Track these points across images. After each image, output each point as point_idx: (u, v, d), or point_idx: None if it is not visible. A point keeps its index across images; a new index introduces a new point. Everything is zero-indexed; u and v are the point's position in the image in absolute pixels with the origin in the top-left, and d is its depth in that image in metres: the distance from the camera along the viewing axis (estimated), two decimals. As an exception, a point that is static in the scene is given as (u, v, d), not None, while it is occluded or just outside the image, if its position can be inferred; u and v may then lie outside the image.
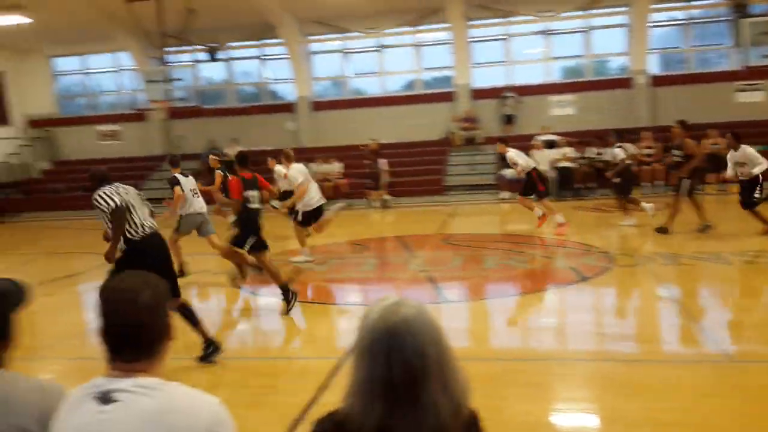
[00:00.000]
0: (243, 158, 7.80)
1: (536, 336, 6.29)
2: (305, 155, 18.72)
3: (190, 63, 20.23)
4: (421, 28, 19.95)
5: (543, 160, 16.48)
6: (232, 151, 19.64)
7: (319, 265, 10.01)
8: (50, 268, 11.51)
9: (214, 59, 19.89)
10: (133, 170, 20.43)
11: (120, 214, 5.41)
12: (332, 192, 17.78)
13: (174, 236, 9.34)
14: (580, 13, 19.08)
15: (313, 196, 9.88)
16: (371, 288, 8.66)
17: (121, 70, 21.78)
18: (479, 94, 19.66)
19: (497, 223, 14.64)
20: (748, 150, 10.07)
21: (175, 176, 9.57)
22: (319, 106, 20.63)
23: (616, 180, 11.70)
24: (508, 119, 19.24)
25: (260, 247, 7.56)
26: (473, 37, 19.89)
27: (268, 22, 19.19)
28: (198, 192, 9.59)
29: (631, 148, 14.90)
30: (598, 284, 7.97)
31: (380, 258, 10.96)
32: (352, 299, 8.32)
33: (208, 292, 8.94)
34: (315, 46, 20.81)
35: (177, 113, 19.92)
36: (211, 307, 8.40)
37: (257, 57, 21.26)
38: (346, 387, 1.53)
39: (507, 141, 12.21)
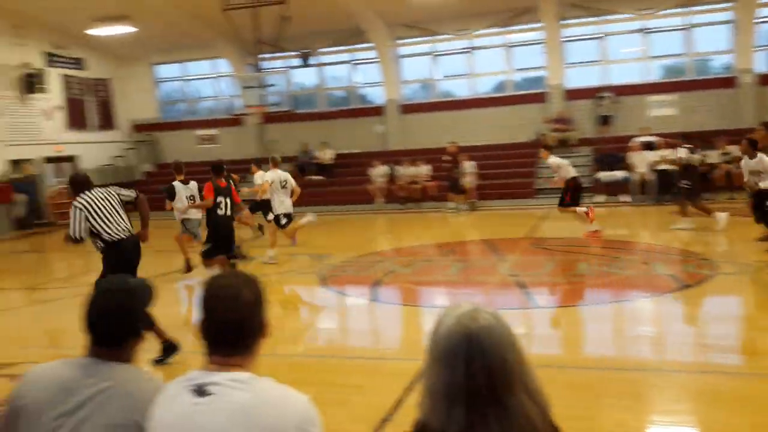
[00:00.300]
0: (217, 168, 8.67)
1: (633, 345, 6.02)
2: (393, 158, 18.89)
3: (284, 69, 20.75)
4: (512, 28, 19.63)
5: (641, 162, 15.84)
6: (323, 155, 20.05)
7: (405, 267, 10.00)
8: (151, 265, 12.06)
9: (306, 65, 20.35)
10: (230, 172, 21.15)
11: (73, 242, 5.94)
12: (420, 194, 17.79)
13: (179, 235, 10.20)
14: (681, 10, 18.20)
15: (285, 201, 10.41)
16: (459, 291, 8.57)
17: (218, 76, 22.64)
18: (573, 94, 19.13)
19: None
20: (765, 159, 9.32)
21: (172, 185, 10.03)
22: (407, 108, 20.69)
23: (685, 184, 11.16)
24: (604, 120, 18.62)
25: (219, 252, 8.20)
26: (567, 37, 19.37)
27: (358, 27, 19.43)
28: (195, 199, 9.95)
29: (734, 150, 14.10)
30: (700, 293, 7.54)
31: (467, 261, 10.84)
32: (439, 302, 8.25)
33: (298, 290, 9.11)
34: (404, 50, 20.90)
35: (270, 118, 20.49)
36: (301, 304, 8.57)
37: (347, 61, 21.57)
38: (422, 394, 1.50)
39: (551, 147, 12.36)
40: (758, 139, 9.84)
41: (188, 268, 9.67)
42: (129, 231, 6.08)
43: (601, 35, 19.24)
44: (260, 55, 18.36)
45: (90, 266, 10.04)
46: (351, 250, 11.65)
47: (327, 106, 21.90)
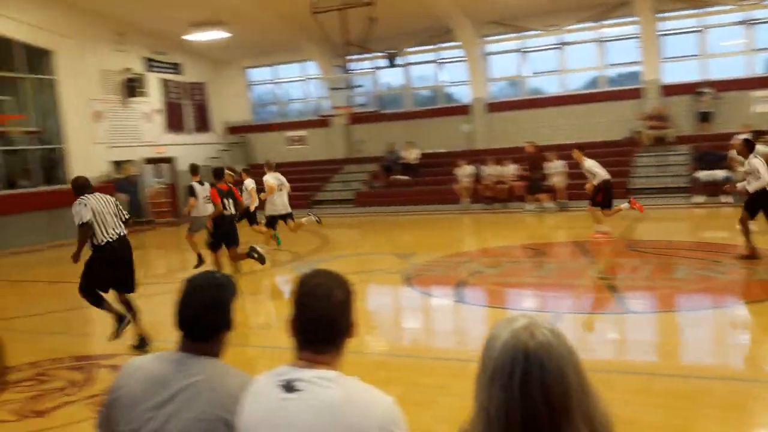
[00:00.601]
0: (218, 173, 9.62)
1: (733, 353, 5.67)
2: (479, 157, 18.67)
3: (371, 70, 20.93)
4: (605, 22, 18.99)
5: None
6: (408, 155, 20.08)
7: (491, 268, 9.85)
8: (248, 262, 12.43)
9: (392, 65, 20.44)
10: (317, 173, 21.59)
11: (84, 230, 6.35)
12: (506, 194, 17.49)
13: (188, 233, 10.96)
14: (789, -2, 17.05)
15: (277, 203, 11.42)
16: (547, 294, 8.35)
17: (307, 78, 23.11)
18: (670, 90, 18.28)
19: (691, 229, 13.49)
20: (755, 162, 8.67)
21: (192, 185, 10.71)
22: (494, 107, 20.41)
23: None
24: (704, 117, 17.69)
25: (224, 245, 9.31)
26: (663, 30, 18.54)
27: (445, 26, 19.34)
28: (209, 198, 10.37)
29: None
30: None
31: (556, 263, 10.55)
32: (527, 304, 8.07)
33: (383, 290, 9.14)
34: (491, 47, 20.62)
35: (357, 118, 20.71)
36: (386, 303, 8.60)
37: (433, 61, 21.50)
38: (472, 415, 1.42)
39: (583, 147, 12.09)
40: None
41: (200, 262, 10.32)
42: (119, 235, 6.53)
43: (700, 28, 18.29)
44: (347, 57, 18.60)
45: (186, 263, 10.46)
46: (436, 250, 11.59)
47: (413, 105, 21.91)
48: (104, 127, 19.09)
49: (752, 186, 8.78)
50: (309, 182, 21.11)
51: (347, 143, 22.11)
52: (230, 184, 9.82)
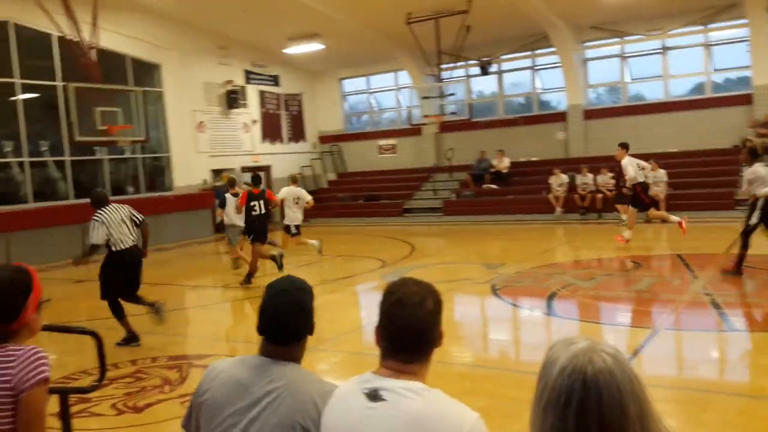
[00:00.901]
0: (255, 179, 11.15)
1: None
2: (573, 166, 18.14)
3: (463, 78, 20.82)
4: (712, 26, 18.04)
5: None
6: (499, 163, 19.78)
7: (584, 280, 9.51)
8: (334, 269, 12.64)
9: (485, 72, 20.23)
10: (407, 181, 21.67)
11: (92, 250, 7.18)
12: (602, 204, 16.87)
13: (230, 248, 12.34)
14: None
15: (287, 214, 12.22)
16: (644, 309, 7.96)
17: (399, 88, 23.27)
18: (783, 95, 17.10)
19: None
20: (759, 168, 8.40)
21: (225, 196, 11.91)
22: (591, 114, 19.78)
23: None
24: (821, 123, 16.43)
25: (258, 240, 10.58)
26: (777, 32, 17.40)
27: (540, 32, 18.96)
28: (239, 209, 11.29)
29: None
30: None
31: (655, 276, 10.04)
32: (622, 319, 7.72)
33: (471, 299, 9.01)
34: (590, 53, 20.02)
35: (448, 127, 20.63)
36: (472, 313, 8.46)
37: (528, 68, 21.11)
38: None
39: (628, 146, 11.96)
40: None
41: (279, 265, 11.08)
42: (133, 242, 7.28)
43: (820, 28, 17.02)
44: (440, 65, 18.59)
45: (275, 269, 10.71)
46: (526, 261, 11.33)
47: (506, 113, 21.59)
48: (206, 137, 19.97)
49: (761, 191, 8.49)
50: (398, 190, 21.23)
51: (437, 152, 22.07)
52: (264, 188, 11.00)
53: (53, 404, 3.34)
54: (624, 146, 11.99)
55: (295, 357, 2.07)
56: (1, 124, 15.96)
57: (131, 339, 7.25)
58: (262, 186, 11.07)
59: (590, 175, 17.33)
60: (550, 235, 15.68)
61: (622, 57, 19.59)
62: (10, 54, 15.08)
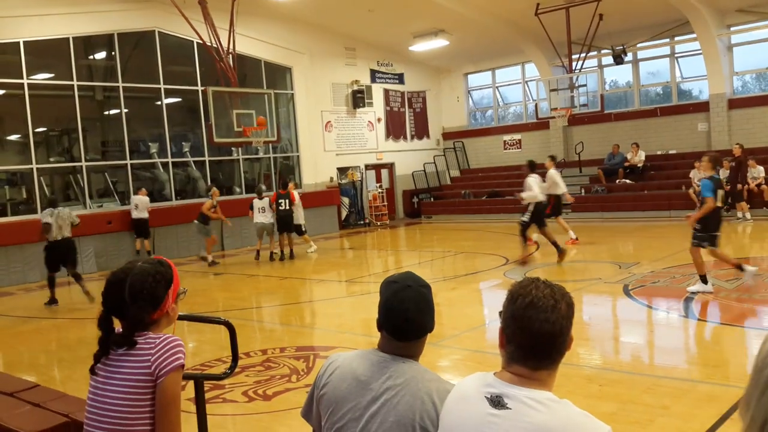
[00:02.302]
0: (283, 183, 14.98)
1: None
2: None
3: (595, 68, 19.98)
4: None
5: None
6: (633, 157, 18.80)
7: (727, 280, 8.82)
8: (456, 265, 12.57)
9: (619, 62, 19.27)
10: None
11: (44, 228, 10.20)
12: (753, 199, 15.60)
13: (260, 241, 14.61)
14: None
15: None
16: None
17: (526, 81, 22.71)
18: None
19: None
20: None
21: (252, 201, 14.45)
22: (735, 103, 18.32)
23: None
24: None
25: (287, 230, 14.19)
26: None
27: (680, 18, 17.79)
28: (265, 209, 14.13)
29: None
30: None
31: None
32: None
33: (602, 300, 8.62)
34: (735, 38, 18.53)
35: (578, 119, 19.89)
36: (602, 314, 8.09)
37: (666, 55, 19.89)
38: (743, 428, 1.20)
39: (555, 158, 13.22)
40: None
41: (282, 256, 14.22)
42: (63, 237, 10.20)
43: None
44: (570, 56, 17.96)
45: (400, 263, 10.81)
46: (662, 261, 10.69)
47: (641, 104, 20.48)
48: (332, 136, 20.53)
49: None
50: (517, 186, 20.73)
51: (566, 146, 21.34)
52: (290, 190, 14.32)
53: (189, 390, 3.55)
54: (552, 158, 13.22)
55: (414, 354, 2.04)
56: (148, 127, 17.27)
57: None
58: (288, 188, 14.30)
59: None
60: (690, 232, 14.68)
61: (773, 40, 17.97)
62: (156, 61, 16.28)
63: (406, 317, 1.98)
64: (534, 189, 11.29)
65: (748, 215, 15.24)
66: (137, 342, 2.12)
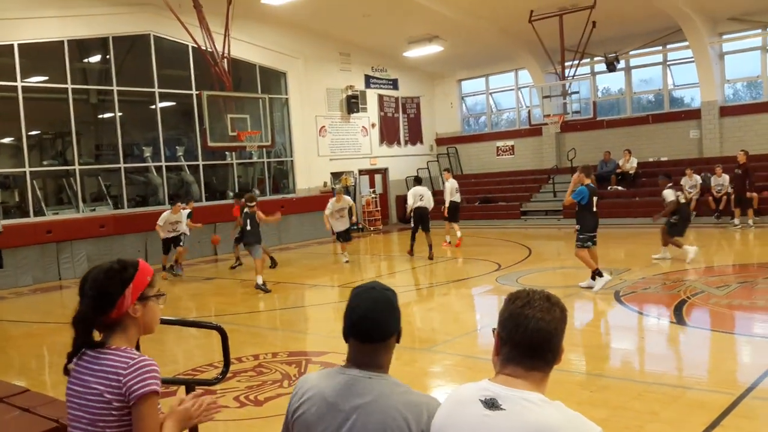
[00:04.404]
0: (248, 197, 12.88)
1: None
2: (707, 166, 16.99)
3: (587, 75, 20.09)
4: None
5: None
6: (625, 164, 18.89)
7: (718, 287, 8.88)
8: (448, 271, 12.59)
9: (612, 69, 19.38)
10: (525, 183, 21.20)
11: None
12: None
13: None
14: None
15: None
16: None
17: (519, 87, 22.80)
18: None
19: None
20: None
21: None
22: (727, 111, 18.44)
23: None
24: None
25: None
26: None
27: (672, 26, 17.92)
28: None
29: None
30: None
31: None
32: (758, 330, 7.13)
33: (593, 306, 8.66)
34: (727, 46, 18.67)
35: (570, 126, 19.97)
36: (593, 321, 8.13)
37: (659, 63, 20.02)
38: None
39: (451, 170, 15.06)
40: None
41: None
42: None
43: None
44: (563, 63, 18.05)
45: (393, 268, 10.82)
46: (653, 267, 10.76)
47: (633, 111, 20.60)
48: (326, 141, 20.55)
49: None
50: (516, 192, 20.82)
51: (558, 152, 21.43)
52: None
53: (180, 395, 3.55)
54: (448, 170, 14.76)
55: (382, 363, 2.03)
56: (142, 131, 17.25)
57: None
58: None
59: (725, 176, 16.18)
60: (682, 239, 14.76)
61: (764, 49, 18.13)
62: (150, 65, 16.27)
63: (366, 315, 1.99)
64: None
65: (750, 221, 15.34)
66: (106, 349, 2.07)
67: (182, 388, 3.41)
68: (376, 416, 1.92)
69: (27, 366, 7.53)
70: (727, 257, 12.48)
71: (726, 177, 16.19)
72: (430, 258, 13.05)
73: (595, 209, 9.11)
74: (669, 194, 10.99)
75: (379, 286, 2.08)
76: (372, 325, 2.01)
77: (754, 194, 15.65)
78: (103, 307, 2.11)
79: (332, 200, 13.91)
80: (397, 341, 2.07)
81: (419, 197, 13.60)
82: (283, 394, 5.65)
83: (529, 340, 1.74)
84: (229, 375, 4.23)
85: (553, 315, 1.77)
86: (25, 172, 14.34)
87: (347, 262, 13.75)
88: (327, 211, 13.73)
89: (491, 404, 1.70)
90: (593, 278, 9.02)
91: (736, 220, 15.46)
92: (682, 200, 11.03)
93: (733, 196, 15.70)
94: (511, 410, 1.67)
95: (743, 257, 11.98)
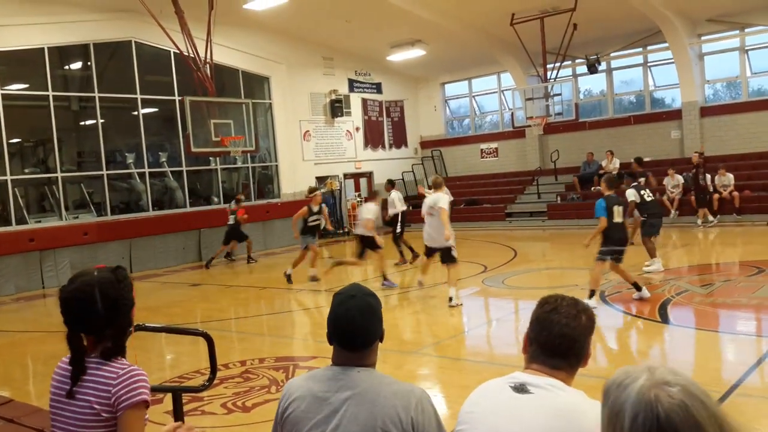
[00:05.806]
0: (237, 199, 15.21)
1: None
2: (689, 166, 17.17)
3: (569, 77, 20.24)
4: None
5: None
6: (608, 164, 19.05)
7: (701, 286, 8.98)
8: (434, 273, 12.58)
9: (593, 71, 19.55)
10: (510, 185, 21.30)
11: None
12: (718, 206, 15.90)
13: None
14: None
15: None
16: (766, 316, 7.42)
17: (502, 90, 22.91)
18: None
19: None
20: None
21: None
22: (707, 111, 18.67)
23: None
24: None
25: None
26: None
27: (652, 27, 18.11)
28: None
29: None
30: None
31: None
32: (743, 328, 7.22)
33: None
34: (706, 47, 18.90)
35: (553, 128, 20.11)
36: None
37: (640, 65, 20.22)
38: None
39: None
40: None
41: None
42: None
43: None
44: (545, 65, 18.18)
45: (378, 271, 10.82)
46: (637, 267, 10.84)
47: (615, 112, 20.79)
48: (311, 146, 20.53)
49: None
50: (501, 194, 20.92)
51: (541, 154, 21.57)
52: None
53: (167, 402, 3.53)
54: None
55: (368, 364, 2.05)
56: (125, 137, 17.13)
57: None
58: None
59: (679, 177, 16.51)
60: (665, 239, 14.86)
61: (743, 50, 18.38)
62: (132, 71, 16.16)
63: (350, 325, 2.01)
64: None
65: (710, 218, 15.69)
66: (94, 358, 2.02)
67: (168, 396, 3.39)
68: (366, 406, 1.94)
69: (11, 376, 7.44)
70: (714, 256, 12.58)
71: (679, 178, 16.55)
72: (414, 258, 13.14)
73: (618, 220, 8.27)
74: (630, 194, 10.57)
75: (360, 292, 2.10)
76: (355, 335, 2.04)
77: (735, 193, 15.86)
78: (115, 318, 2.05)
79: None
80: (380, 341, 2.09)
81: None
82: (271, 399, 5.63)
83: (553, 343, 1.88)
84: (216, 381, 4.21)
85: (578, 322, 1.89)
86: (6, 180, 14.19)
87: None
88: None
89: (520, 389, 1.83)
90: (590, 297, 7.97)
91: (699, 220, 15.73)
92: (648, 198, 10.71)
93: (692, 197, 16.09)
94: (538, 394, 1.81)
95: (730, 256, 12.09)
